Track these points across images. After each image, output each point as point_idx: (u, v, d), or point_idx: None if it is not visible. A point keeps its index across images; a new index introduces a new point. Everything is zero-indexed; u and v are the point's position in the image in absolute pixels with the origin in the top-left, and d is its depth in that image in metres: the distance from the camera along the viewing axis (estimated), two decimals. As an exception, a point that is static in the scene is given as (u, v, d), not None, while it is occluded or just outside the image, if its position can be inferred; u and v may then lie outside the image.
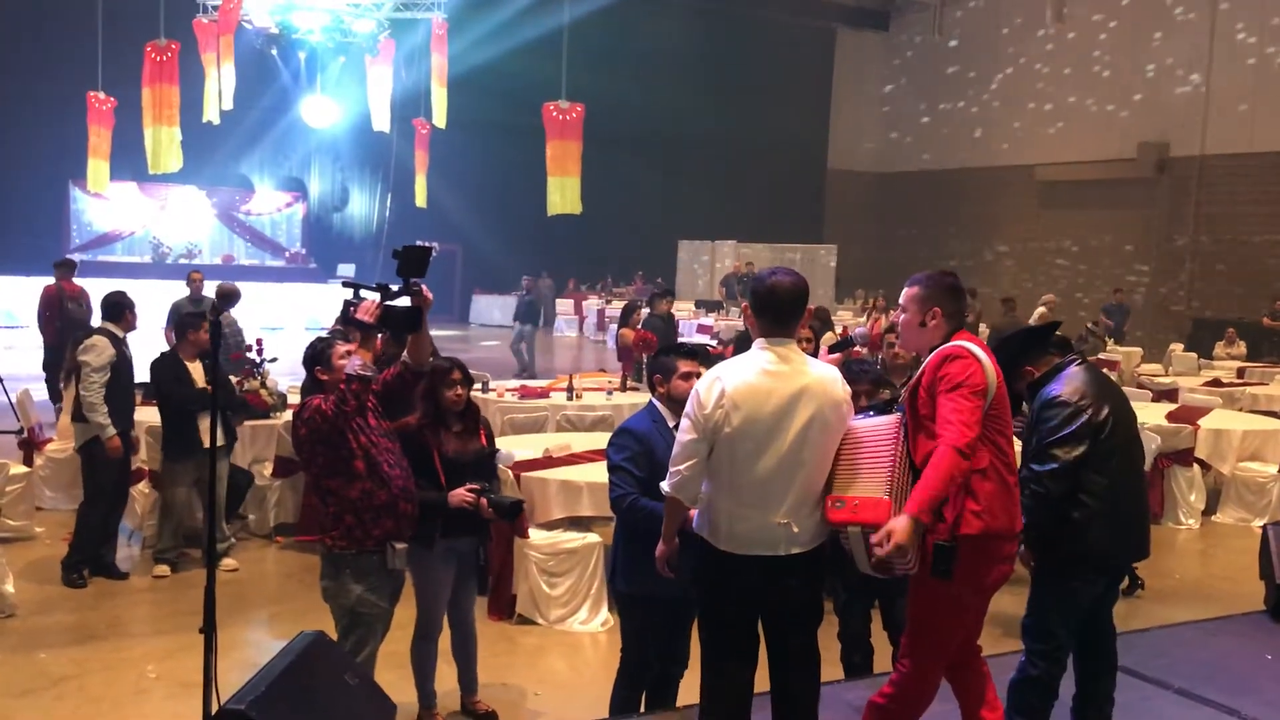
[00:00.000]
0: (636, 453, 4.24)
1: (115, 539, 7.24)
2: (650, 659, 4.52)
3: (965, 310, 3.75)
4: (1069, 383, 4.11)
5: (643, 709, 4.59)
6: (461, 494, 4.67)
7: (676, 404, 4.16)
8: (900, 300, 3.74)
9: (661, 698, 4.62)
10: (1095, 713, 4.23)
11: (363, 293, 4.27)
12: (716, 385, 3.51)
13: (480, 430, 5.04)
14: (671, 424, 4.22)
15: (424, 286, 4.26)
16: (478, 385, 7.56)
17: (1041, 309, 17.54)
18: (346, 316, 4.31)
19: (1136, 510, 4.21)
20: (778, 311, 3.55)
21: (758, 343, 3.59)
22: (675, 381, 4.30)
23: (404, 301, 4.23)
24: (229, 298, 5.75)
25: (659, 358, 4.56)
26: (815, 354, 3.86)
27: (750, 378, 3.51)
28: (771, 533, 3.53)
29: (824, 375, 3.57)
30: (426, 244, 4.24)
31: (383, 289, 4.24)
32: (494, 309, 27.51)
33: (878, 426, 3.59)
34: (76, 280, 12.09)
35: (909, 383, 3.67)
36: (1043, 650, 4.06)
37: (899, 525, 3.26)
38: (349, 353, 4.34)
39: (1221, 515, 9.46)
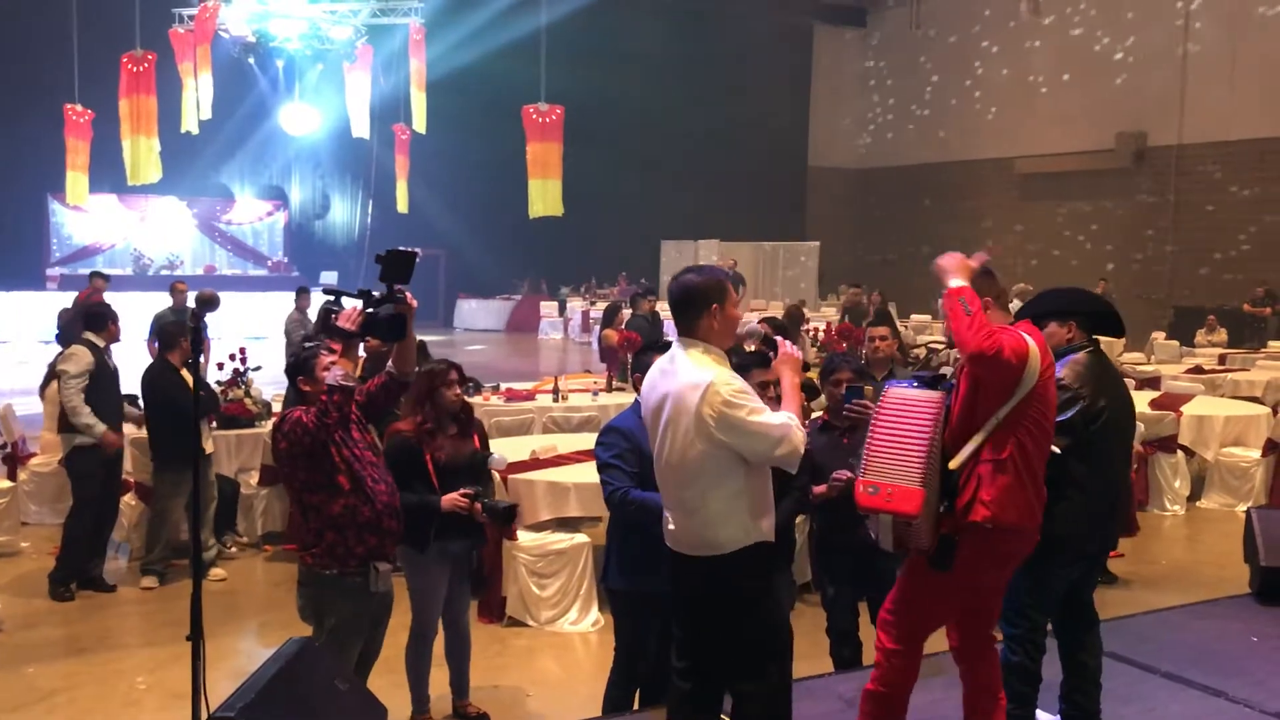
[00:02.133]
0: (625, 449, 4.27)
1: (104, 552, 7.22)
2: (645, 656, 4.52)
3: (1003, 292, 3.70)
4: (1073, 367, 4.09)
5: (636, 706, 4.59)
6: (454, 498, 4.68)
7: None
8: (943, 303, 3.63)
9: (655, 696, 4.63)
10: (1083, 697, 4.25)
11: (344, 300, 4.22)
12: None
13: (474, 434, 5.04)
14: None
15: (408, 293, 4.19)
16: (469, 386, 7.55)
17: (1015, 302, 17.58)
18: (327, 324, 4.23)
19: (1116, 500, 4.22)
20: (672, 310, 3.60)
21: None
22: None
23: (388, 307, 4.13)
24: (209, 303, 5.73)
25: (641, 356, 4.61)
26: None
27: (652, 373, 3.68)
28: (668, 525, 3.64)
29: (690, 381, 3.42)
30: (410, 249, 4.14)
31: (364, 295, 4.14)
32: (478, 314, 27.50)
33: (920, 404, 3.50)
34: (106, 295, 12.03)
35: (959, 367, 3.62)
36: (1019, 635, 4.07)
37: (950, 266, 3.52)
38: (333, 363, 4.18)
39: (1206, 501, 9.53)
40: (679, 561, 3.57)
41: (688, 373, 3.44)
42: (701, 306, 3.47)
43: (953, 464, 3.48)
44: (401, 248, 4.10)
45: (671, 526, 3.56)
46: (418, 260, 4.17)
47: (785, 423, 3.39)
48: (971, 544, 3.46)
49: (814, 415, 5.47)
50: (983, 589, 3.65)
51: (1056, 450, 3.80)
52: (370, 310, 4.11)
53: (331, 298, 4.30)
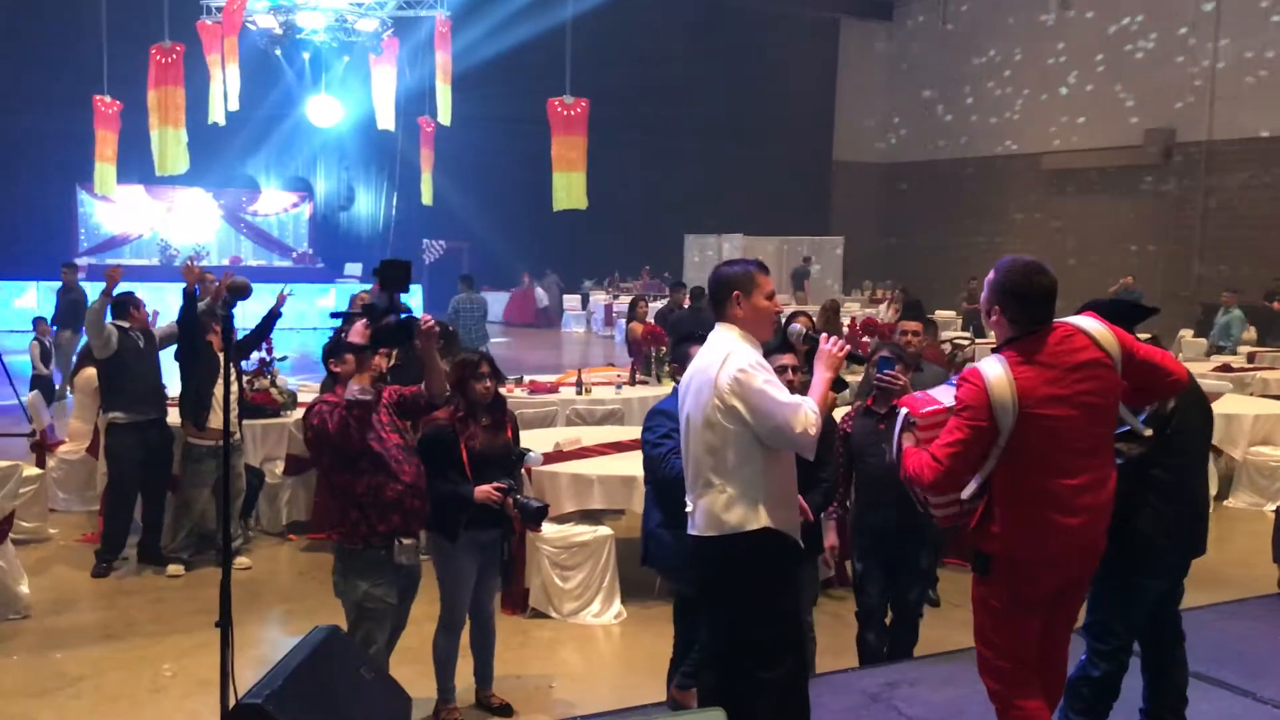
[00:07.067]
0: (672, 429, 4.35)
1: (159, 528, 7.32)
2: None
3: (1034, 314, 3.35)
4: None
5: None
6: (488, 490, 4.71)
7: None
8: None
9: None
10: (1169, 713, 4.12)
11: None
12: None
13: (507, 424, 5.06)
14: None
15: (432, 319, 4.36)
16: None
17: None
18: (338, 342, 4.46)
19: (1200, 508, 4.11)
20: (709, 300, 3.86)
21: None
22: None
23: (395, 317, 4.30)
24: (239, 291, 5.75)
25: (678, 346, 4.72)
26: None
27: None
28: None
29: (715, 355, 3.60)
30: (403, 259, 4.38)
31: (368, 310, 4.32)
32: (500, 306, 27.55)
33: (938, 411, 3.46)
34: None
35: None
36: (1104, 650, 3.94)
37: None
38: (350, 378, 4.39)
39: (1234, 500, 9.45)
40: (694, 543, 3.67)
41: (713, 348, 3.63)
42: (725, 295, 3.67)
43: (964, 494, 3.36)
44: (394, 258, 4.37)
45: (690, 508, 3.66)
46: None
47: (796, 402, 3.47)
48: (1001, 560, 3.36)
49: (855, 403, 5.54)
50: (1038, 603, 3.42)
51: (1122, 454, 3.62)
52: (377, 323, 4.29)
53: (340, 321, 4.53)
